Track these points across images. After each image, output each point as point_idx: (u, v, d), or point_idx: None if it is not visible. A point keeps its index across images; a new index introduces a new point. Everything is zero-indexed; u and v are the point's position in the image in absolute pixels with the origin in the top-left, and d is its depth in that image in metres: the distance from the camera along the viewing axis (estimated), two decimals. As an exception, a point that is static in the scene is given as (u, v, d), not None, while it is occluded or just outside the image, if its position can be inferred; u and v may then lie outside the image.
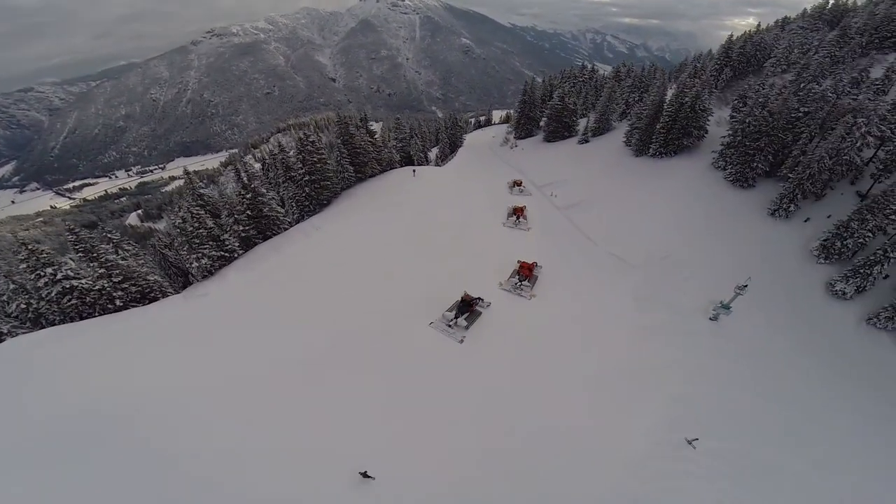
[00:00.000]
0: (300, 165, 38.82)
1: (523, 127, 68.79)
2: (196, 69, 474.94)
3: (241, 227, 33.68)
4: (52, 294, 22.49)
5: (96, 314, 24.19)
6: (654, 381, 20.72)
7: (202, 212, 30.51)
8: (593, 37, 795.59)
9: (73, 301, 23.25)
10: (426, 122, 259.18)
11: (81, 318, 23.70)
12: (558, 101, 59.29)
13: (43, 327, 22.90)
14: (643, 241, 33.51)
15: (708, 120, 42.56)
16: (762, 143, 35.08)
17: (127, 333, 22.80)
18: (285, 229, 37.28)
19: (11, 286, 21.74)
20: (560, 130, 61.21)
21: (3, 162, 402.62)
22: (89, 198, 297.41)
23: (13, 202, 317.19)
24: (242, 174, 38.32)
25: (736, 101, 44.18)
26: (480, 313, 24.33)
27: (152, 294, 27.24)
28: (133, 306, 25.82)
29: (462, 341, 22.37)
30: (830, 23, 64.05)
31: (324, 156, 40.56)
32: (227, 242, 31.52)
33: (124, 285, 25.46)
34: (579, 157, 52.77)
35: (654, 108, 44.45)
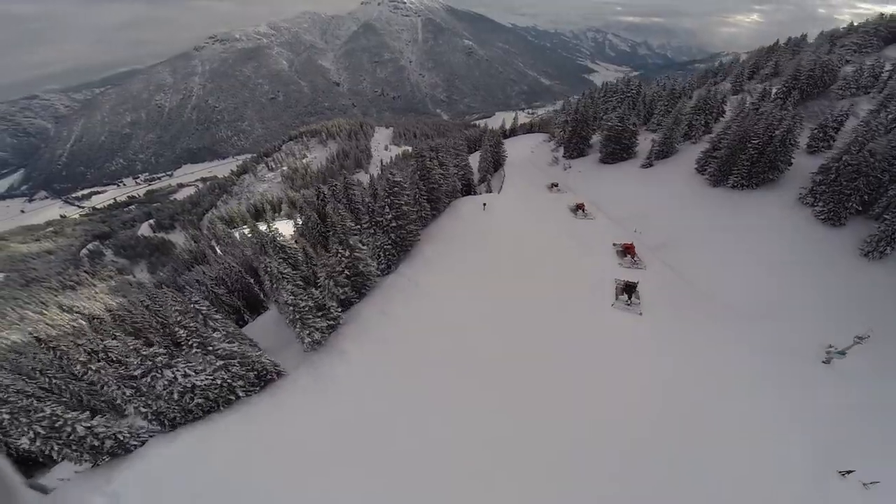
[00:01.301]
0: (387, 210, 37.64)
1: (575, 146, 66.69)
2: (200, 75, 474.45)
3: (340, 290, 31.33)
4: (174, 395, 21.82)
5: (220, 408, 23.43)
6: (796, 424, 21.38)
7: (300, 280, 28.15)
8: (594, 35, 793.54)
9: (197, 400, 22.64)
10: (444, 127, 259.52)
11: (205, 413, 23.10)
12: (617, 121, 57.83)
13: (162, 424, 22.25)
14: (741, 284, 33.19)
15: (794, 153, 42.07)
16: (859, 184, 34.71)
17: (273, 443, 21.13)
18: (375, 283, 35.06)
19: (127, 392, 20.89)
20: (618, 152, 59.63)
21: (11, 170, 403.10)
22: (98, 206, 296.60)
23: (23, 211, 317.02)
24: (339, 235, 33.99)
25: (815, 131, 43.79)
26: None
27: (268, 376, 25.50)
28: (251, 392, 24.51)
29: (641, 314, 30.63)
30: (886, 38, 63.71)
31: (407, 195, 39.79)
32: (331, 310, 28.78)
33: (242, 372, 24.39)
34: (647, 184, 51.21)
35: (738, 138, 42.88)
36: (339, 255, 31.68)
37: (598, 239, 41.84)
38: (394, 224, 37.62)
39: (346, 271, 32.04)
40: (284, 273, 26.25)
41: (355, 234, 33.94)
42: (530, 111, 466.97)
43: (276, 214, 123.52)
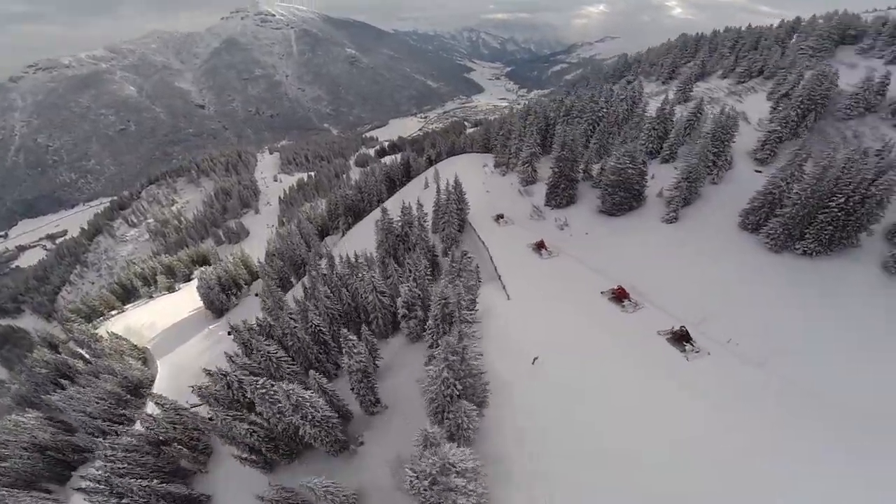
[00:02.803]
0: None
1: (562, 193, 49.45)
2: (21, 110, 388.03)
3: None
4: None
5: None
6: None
7: None
8: (469, 35, 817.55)
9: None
10: (338, 145, 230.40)
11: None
12: (628, 161, 41.80)
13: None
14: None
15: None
16: None
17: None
18: None
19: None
20: (628, 201, 44.27)
21: None
22: None
23: None
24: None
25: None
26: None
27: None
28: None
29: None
30: (836, 41, 61.04)
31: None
32: None
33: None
34: (683, 248, 38.24)
35: (816, 193, 31.11)
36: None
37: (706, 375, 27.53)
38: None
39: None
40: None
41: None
42: (422, 116, 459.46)
43: (153, 288, 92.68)
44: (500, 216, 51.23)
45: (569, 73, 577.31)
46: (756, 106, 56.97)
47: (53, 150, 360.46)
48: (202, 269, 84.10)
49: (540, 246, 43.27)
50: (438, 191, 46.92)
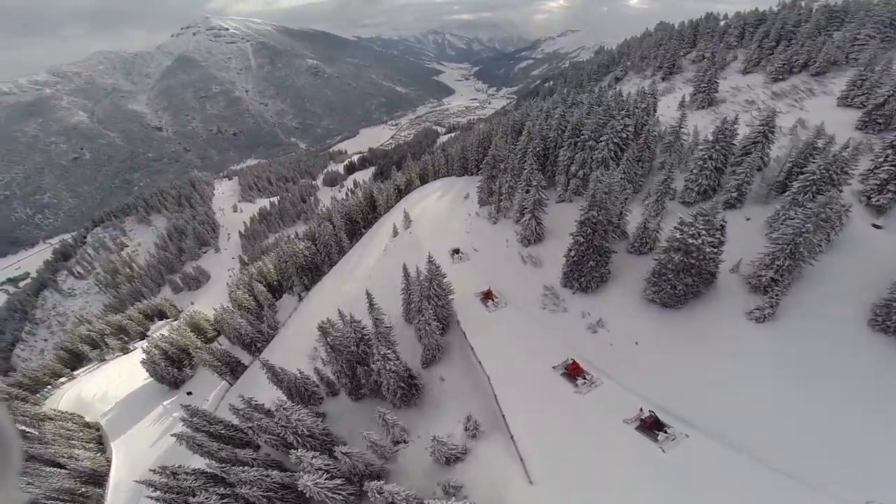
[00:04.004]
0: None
1: (592, 272, 31.97)
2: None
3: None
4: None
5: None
6: None
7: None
8: (434, 37, 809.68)
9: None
10: (305, 164, 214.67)
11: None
12: (702, 228, 25.20)
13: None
14: None
15: None
16: None
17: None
18: None
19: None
20: (695, 286, 27.66)
21: None
22: None
23: None
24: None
25: None
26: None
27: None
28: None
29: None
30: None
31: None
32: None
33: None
34: (795, 373, 23.85)
35: None
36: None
37: None
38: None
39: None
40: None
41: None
42: (393, 123, 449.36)
43: (106, 349, 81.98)
44: (487, 297, 36.36)
45: (535, 69, 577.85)
46: (823, 115, 41.93)
47: (3, 184, 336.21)
48: (142, 343, 74.73)
49: (575, 372, 27.29)
50: (407, 275, 34.70)
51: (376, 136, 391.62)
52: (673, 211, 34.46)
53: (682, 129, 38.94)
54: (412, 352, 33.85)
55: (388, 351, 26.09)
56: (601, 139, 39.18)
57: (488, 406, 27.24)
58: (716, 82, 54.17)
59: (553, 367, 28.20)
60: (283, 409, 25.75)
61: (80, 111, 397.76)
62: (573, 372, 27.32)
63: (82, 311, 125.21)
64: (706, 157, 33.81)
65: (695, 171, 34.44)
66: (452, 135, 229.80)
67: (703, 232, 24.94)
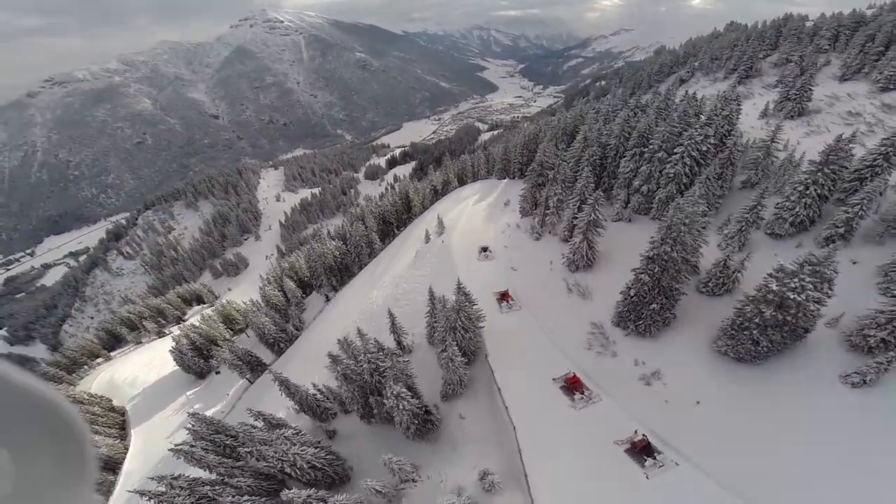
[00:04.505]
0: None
1: (654, 316, 26.38)
2: (42, 125, 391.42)
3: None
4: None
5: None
6: None
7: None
8: (480, 33, 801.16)
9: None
10: (349, 156, 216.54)
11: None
12: (808, 281, 19.34)
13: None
14: None
15: None
16: None
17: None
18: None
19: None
20: (782, 342, 21.87)
21: None
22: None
23: None
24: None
25: None
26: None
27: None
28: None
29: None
30: None
31: None
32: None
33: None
34: None
35: None
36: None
37: None
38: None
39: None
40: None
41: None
42: (436, 118, 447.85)
43: (143, 332, 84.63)
44: (503, 297, 34.25)
45: (585, 68, 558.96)
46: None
47: (74, 164, 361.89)
48: (176, 329, 75.40)
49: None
50: (433, 299, 29.77)
51: (419, 131, 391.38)
52: (758, 244, 28.39)
53: (775, 144, 32.52)
54: (433, 376, 30.22)
55: (403, 389, 22.66)
56: (675, 151, 33.16)
57: (509, 457, 23.65)
58: (810, 89, 46.96)
59: (553, 379, 26.52)
60: (286, 437, 23.00)
61: (144, 98, 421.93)
62: (571, 385, 25.79)
63: (127, 291, 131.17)
64: (810, 181, 27.05)
65: (792, 198, 27.73)
66: (495, 133, 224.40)
67: (809, 286, 19.21)
